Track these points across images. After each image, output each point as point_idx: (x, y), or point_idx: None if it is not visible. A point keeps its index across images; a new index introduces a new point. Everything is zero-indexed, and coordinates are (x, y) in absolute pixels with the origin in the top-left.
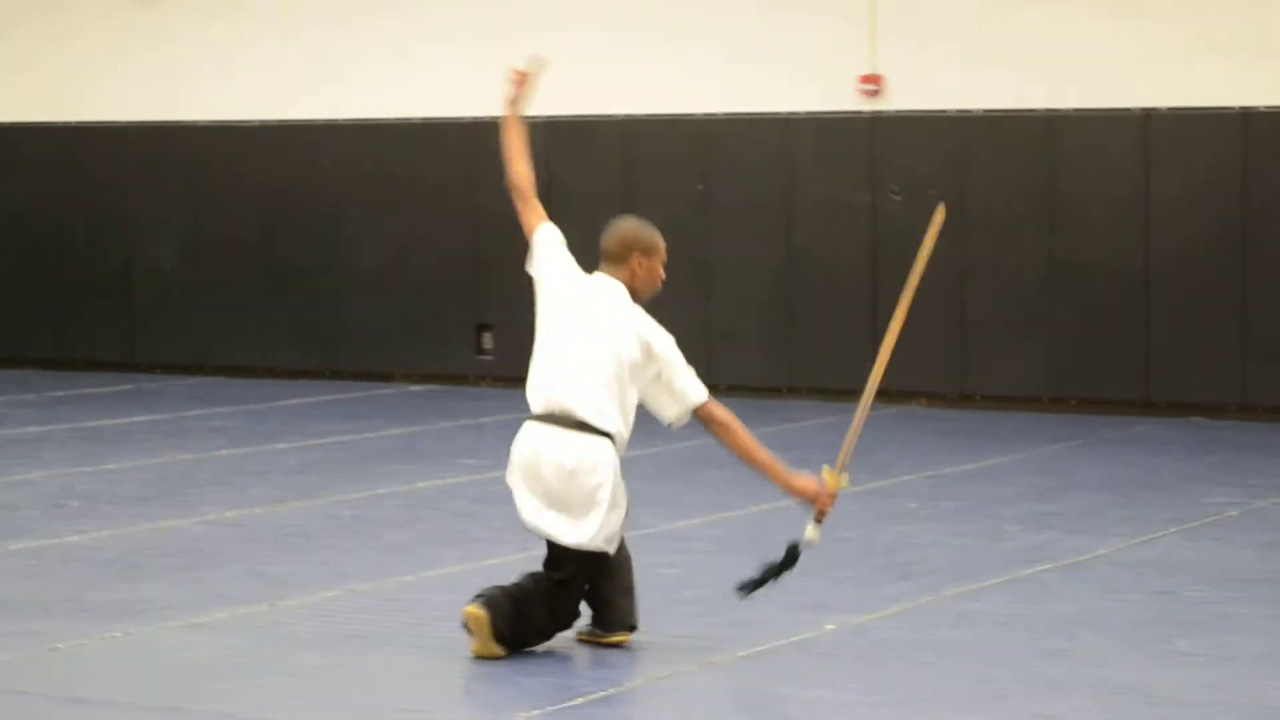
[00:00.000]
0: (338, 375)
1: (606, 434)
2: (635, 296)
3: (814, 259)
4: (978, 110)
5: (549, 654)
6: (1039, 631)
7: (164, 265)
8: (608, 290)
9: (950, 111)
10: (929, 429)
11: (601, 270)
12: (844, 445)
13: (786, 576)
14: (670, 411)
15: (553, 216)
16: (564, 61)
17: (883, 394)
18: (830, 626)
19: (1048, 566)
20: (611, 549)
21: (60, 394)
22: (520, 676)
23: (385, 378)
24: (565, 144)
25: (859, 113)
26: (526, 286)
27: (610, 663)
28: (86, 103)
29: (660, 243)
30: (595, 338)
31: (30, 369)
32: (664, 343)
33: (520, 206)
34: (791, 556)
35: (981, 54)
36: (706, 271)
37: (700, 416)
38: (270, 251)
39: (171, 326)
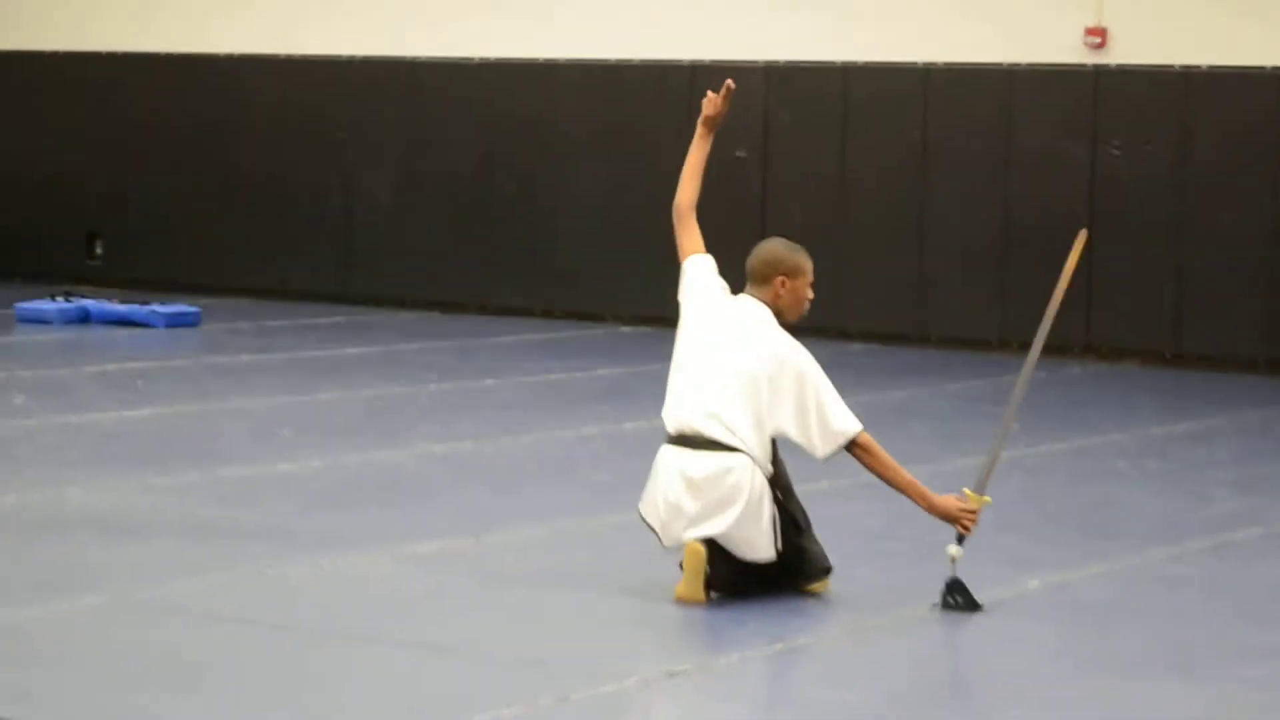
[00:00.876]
0: (549, 314)
1: (740, 451)
2: (780, 318)
3: (1029, 212)
4: (1203, 66)
5: (746, 601)
6: (1244, 597)
7: (381, 199)
8: (750, 311)
9: (1175, 67)
10: (1140, 387)
11: (747, 292)
12: (985, 467)
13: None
14: (822, 449)
15: (769, 164)
16: (785, 6)
17: (1094, 350)
18: (1034, 584)
19: (1257, 532)
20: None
21: (276, 324)
22: (720, 623)
23: (596, 318)
24: (783, 89)
25: (1082, 65)
26: (736, 228)
27: (808, 612)
28: (309, 36)
29: (806, 264)
30: (731, 357)
31: (248, 298)
32: (808, 367)
33: (678, 229)
34: (955, 591)
35: (1208, 8)
36: (920, 222)
37: (853, 447)
38: (487, 188)
39: (387, 260)
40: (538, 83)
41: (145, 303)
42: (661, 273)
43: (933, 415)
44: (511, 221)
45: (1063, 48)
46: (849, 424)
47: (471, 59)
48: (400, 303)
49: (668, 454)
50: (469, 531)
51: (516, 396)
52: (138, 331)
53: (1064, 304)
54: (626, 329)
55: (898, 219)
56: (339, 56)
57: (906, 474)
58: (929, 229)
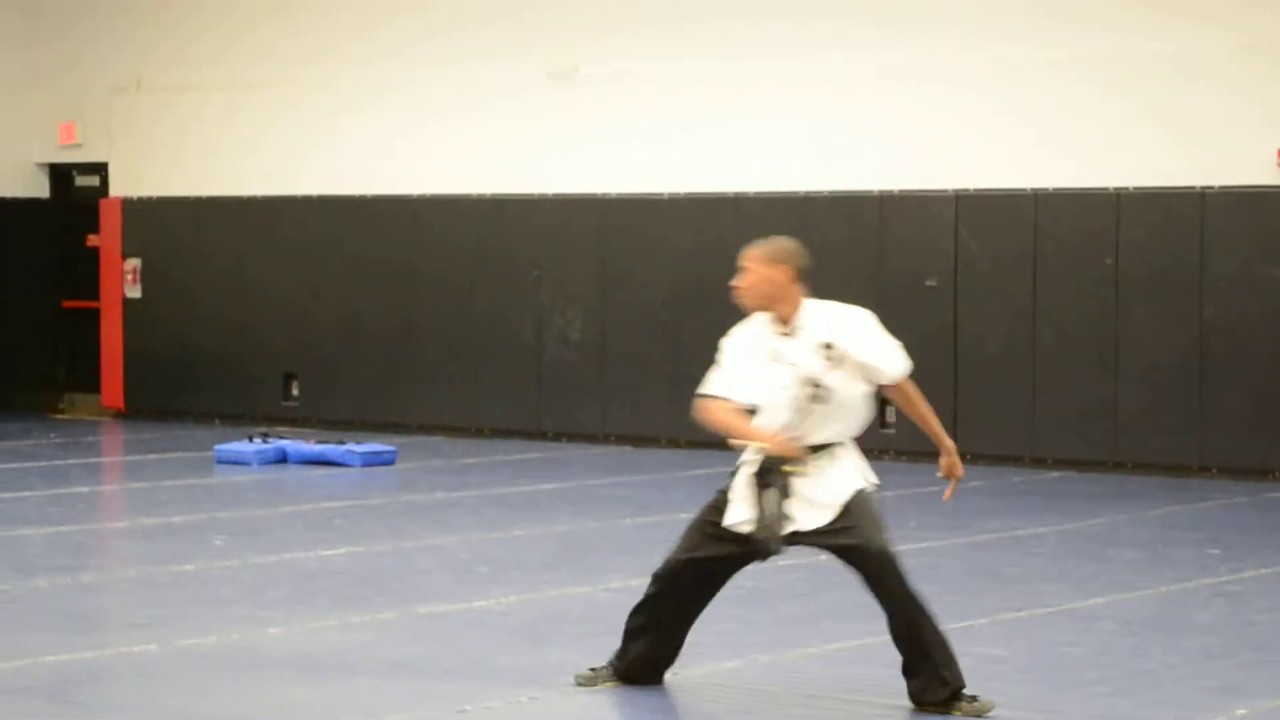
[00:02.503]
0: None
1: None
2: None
3: (1225, 334)
4: None
5: None
6: None
7: (572, 335)
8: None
9: None
10: None
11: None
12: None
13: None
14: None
15: (961, 287)
16: (974, 135)
17: None
18: (1241, 712)
19: None
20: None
21: (470, 461)
22: None
23: None
24: (975, 216)
25: (1275, 187)
26: (930, 356)
27: None
28: (500, 176)
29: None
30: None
31: (442, 436)
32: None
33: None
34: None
35: None
36: (1114, 346)
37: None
38: (677, 322)
39: (579, 396)
40: (727, 216)
41: (341, 442)
42: None
43: (1134, 543)
44: (702, 355)
45: (1255, 169)
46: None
47: (661, 194)
48: (593, 438)
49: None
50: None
51: None
52: (334, 471)
53: (1263, 430)
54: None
55: (1091, 344)
56: (530, 195)
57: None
58: (1123, 353)
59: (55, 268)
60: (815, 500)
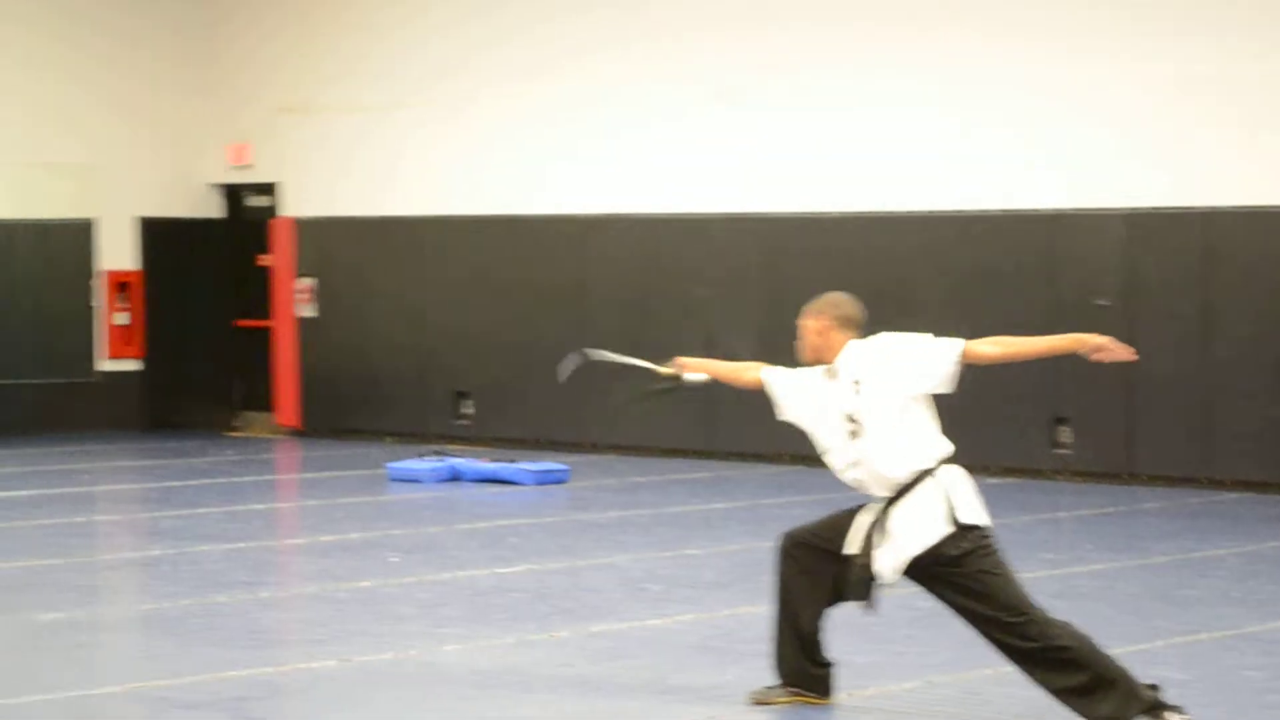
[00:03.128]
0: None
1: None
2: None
3: None
4: None
5: None
6: None
7: (742, 355)
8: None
9: None
10: None
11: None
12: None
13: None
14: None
15: (1130, 308)
16: (1144, 154)
17: None
18: None
19: None
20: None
21: (642, 479)
22: None
23: (969, 469)
24: (1144, 236)
25: None
26: (1106, 378)
27: None
28: (669, 195)
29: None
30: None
31: (613, 454)
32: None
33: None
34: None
35: None
36: None
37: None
38: None
39: (750, 415)
40: (893, 234)
41: (514, 461)
42: (1029, 426)
43: None
44: None
45: None
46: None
47: (829, 213)
48: (765, 457)
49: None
50: (841, 686)
51: None
52: (507, 489)
53: None
54: (993, 480)
55: (1266, 363)
56: (699, 215)
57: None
58: None
59: (228, 287)
60: (902, 545)
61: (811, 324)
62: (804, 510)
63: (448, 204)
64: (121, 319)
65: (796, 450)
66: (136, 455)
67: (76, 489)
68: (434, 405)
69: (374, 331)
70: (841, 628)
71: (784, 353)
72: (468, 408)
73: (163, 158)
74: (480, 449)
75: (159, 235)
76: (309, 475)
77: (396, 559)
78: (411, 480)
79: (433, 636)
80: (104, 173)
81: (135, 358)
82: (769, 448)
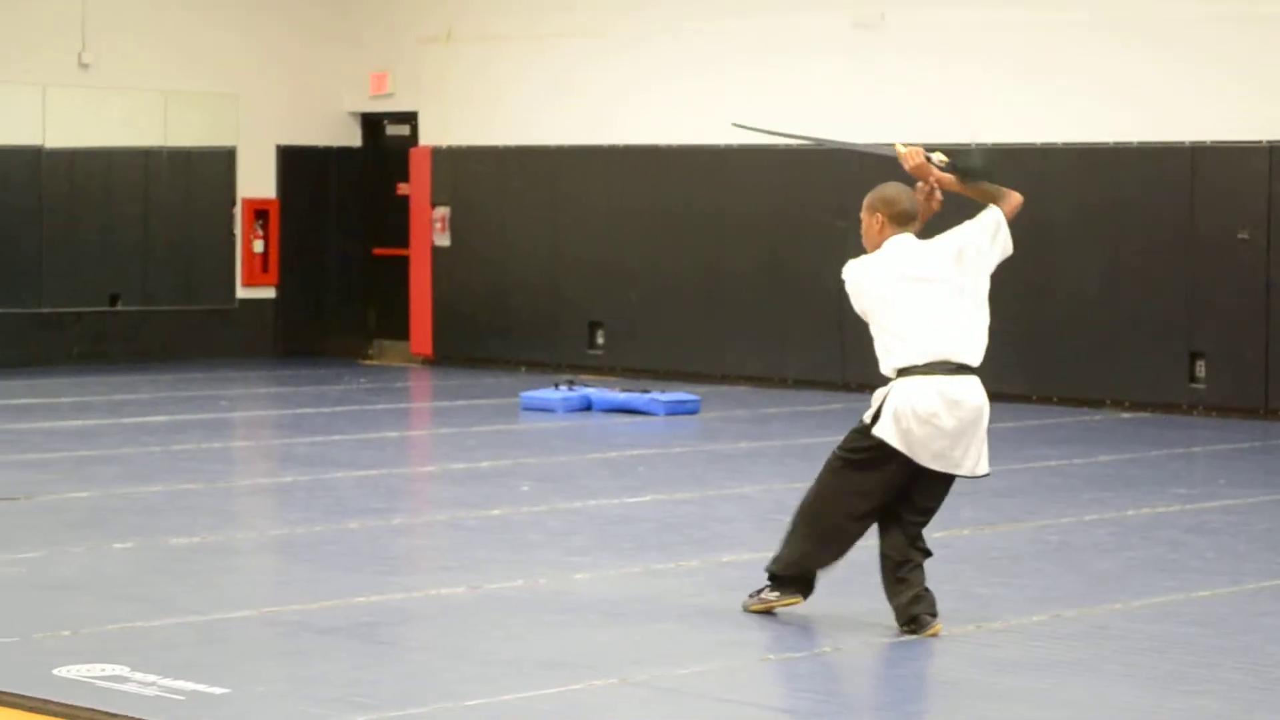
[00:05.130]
0: (1046, 400)
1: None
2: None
3: None
4: None
5: None
6: None
7: None
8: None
9: None
10: None
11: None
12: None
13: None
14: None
15: (1275, 239)
16: None
17: None
18: None
19: None
20: None
21: (773, 411)
22: None
23: (1095, 404)
24: None
25: None
26: (1242, 312)
27: None
28: (805, 126)
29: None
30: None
31: (744, 385)
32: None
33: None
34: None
35: None
36: None
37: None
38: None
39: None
40: (1033, 166)
41: (645, 391)
42: (1165, 360)
43: None
44: (1013, 304)
45: None
46: (993, 215)
47: (967, 146)
48: None
49: (935, 383)
50: (970, 619)
51: (1015, 483)
52: (638, 419)
53: None
54: (1126, 415)
55: None
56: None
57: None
58: None
59: (367, 216)
60: None
61: (867, 219)
62: None
63: (584, 134)
64: (259, 246)
65: None
66: (271, 382)
67: (212, 415)
68: (567, 335)
69: (508, 261)
70: (968, 559)
71: None
72: (600, 337)
73: (303, 86)
74: (612, 379)
75: (297, 163)
76: (441, 404)
77: (527, 487)
78: (544, 410)
79: (562, 565)
80: (245, 101)
81: (271, 285)
82: None
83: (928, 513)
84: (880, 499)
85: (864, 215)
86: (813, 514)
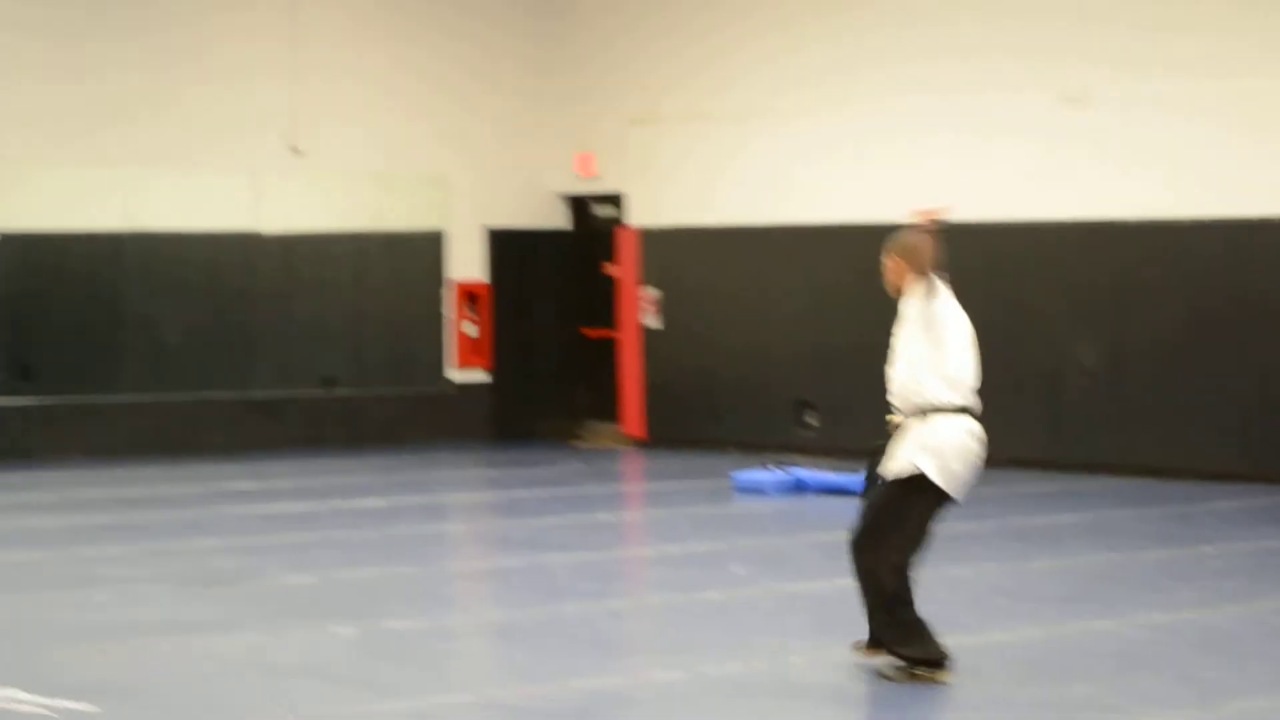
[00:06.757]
0: (1268, 479)
1: None
2: None
3: None
4: None
5: None
6: None
7: (1087, 362)
8: None
9: None
10: None
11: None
12: None
13: None
14: None
15: None
16: None
17: None
18: None
19: None
20: None
21: (987, 491)
22: None
23: None
24: None
25: None
26: None
27: None
28: (1011, 201)
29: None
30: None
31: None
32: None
33: None
34: None
35: None
36: None
37: None
38: (1195, 349)
39: (1096, 426)
40: (1240, 244)
41: (858, 471)
42: None
43: None
44: (1223, 383)
45: None
46: None
47: (1179, 219)
48: (1111, 469)
49: (973, 425)
50: (1192, 703)
51: (1236, 564)
52: (852, 500)
53: None
54: None
55: None
56: (1044, 222)
57: None
58: None
59: (575, 297)
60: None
61: (889, 263)
62: (1152, 525)
63: (793, 213)
64: (470, 329)
65: (1144, 462)
66: (485, 465)
67: (428, 499)
68: (777, 415)
69: (718, 342)
70: (1189, 642)
71: (1136, 359)
72: (811, 418)
73: (511, 168)
74: (823, 459)
75: (506, 245)
76: (654, 486)
77: (742, 570)
78: (756, 491)
79: (779, 648)
80: (454, 184)
81: (483, 368)
82: (1116, 458)
83: None
84: None
85: (885, 259)
86: None
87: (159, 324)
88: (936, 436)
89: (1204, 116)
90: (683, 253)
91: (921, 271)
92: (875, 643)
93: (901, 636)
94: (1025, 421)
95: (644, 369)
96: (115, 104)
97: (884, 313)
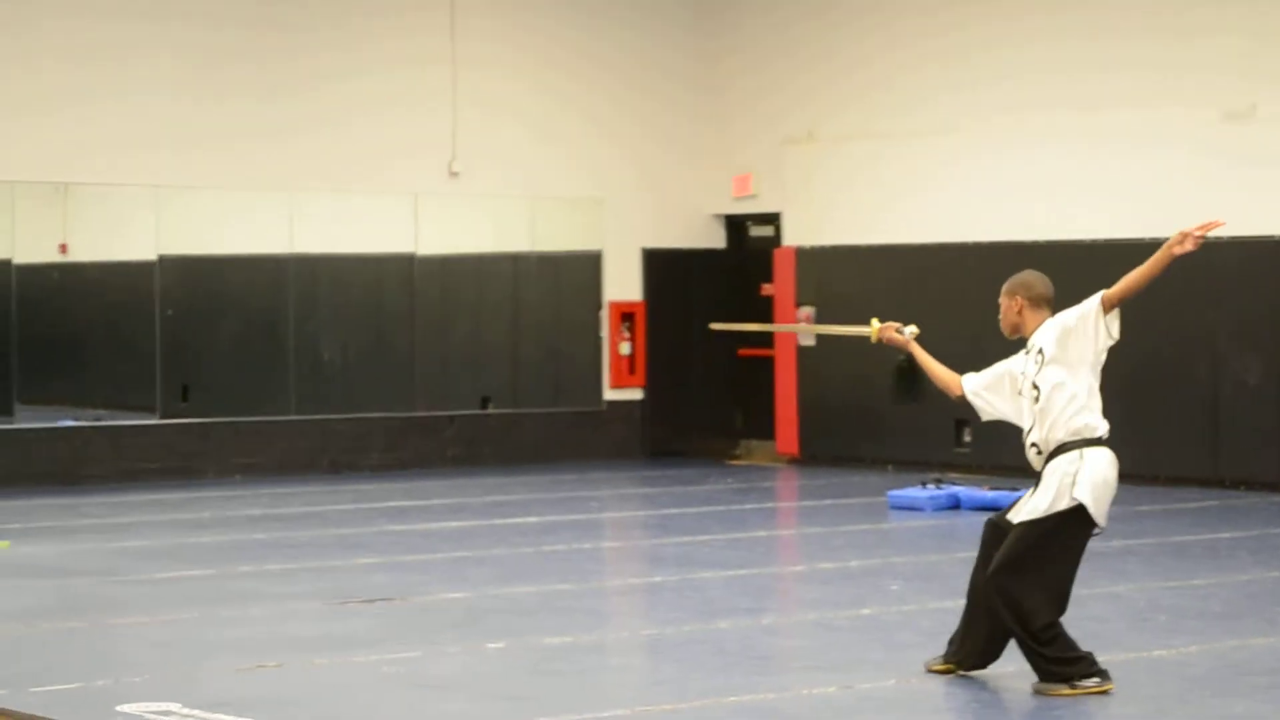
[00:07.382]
0: None
1: None
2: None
3: None
4: None
5: None
6: None
7: (1250, 379)
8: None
9: None
10: None
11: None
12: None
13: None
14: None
15: None
16: None
17: None
18: None
19: None
20: None
21: (1146, 508)
22: None
23: None
24: None
25: None
26: None
27: None
28: (1175, 218)
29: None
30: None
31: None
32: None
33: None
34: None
35: None
36: None
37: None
38: None
39: (1257, 442)
40: None
41: (1015, 489)
42: None
43: None
44: None
45: None
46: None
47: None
48: (1272, 486)
49: (1108, 454)
50: None
51: None
52: None
53: None
54: None
55: None
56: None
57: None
58: None
59: (731, 317)
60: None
61: (1006, 303)
62: None
63: (947, 231)
64: (625, 349)
65: None
66: (639, 483)
67: (583, 516)
68: (933, 433)
69: (873, 360)
70: None
71: None
72: (967, 435)
73: (667, 189)
74: (980, 477)
75: (662, 266)
76: (808, 503)
77: (897, 586)
78: (911, 508)
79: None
80: (610, 205)
81: (638, 386)
82: (1277, 475)
83: None
84: None
85: (1003, 300)
86: None
87: (318, 345)
88: (1094, 470)
89: None
90: (837, 271)
91: (1047, 307)
92: (952, 659)
93: (1056, 656)
94: (1185, 438)
95: (799, 387)
96: (276, 127)
97: None
